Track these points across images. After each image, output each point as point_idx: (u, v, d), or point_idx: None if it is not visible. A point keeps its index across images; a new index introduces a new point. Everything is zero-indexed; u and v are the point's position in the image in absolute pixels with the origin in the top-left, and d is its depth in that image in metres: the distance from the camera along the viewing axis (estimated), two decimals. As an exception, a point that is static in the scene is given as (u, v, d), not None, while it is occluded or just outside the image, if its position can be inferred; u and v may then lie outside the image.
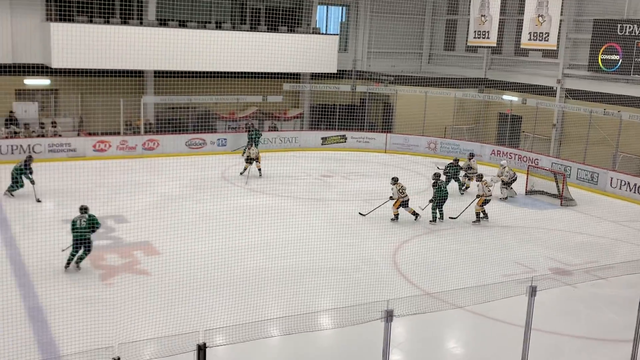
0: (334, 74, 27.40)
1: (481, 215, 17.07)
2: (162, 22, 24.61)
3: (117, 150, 23.02)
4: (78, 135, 23.49)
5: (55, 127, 23.14)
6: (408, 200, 16.57)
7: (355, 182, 20.74)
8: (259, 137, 23.85)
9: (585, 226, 17.30)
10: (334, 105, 27.88)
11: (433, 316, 9.92)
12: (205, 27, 25.19)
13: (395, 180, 16.53)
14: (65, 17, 22.51)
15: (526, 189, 20.64)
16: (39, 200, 16.72)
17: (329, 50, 26.73)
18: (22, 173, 17.06)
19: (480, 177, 17.55)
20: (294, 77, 27.99)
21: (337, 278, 12.42)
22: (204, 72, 24.96)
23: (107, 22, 23.13)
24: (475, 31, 27.86)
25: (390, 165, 23.95)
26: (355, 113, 28.13)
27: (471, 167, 20.44)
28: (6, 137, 21.91)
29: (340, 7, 30.65)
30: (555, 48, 24.90)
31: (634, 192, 20.43)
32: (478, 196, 17.18)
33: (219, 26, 25.74)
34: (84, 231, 12.36)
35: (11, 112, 23.15)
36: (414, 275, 13.05)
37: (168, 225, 15.12)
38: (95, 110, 23.57)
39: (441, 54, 31.58)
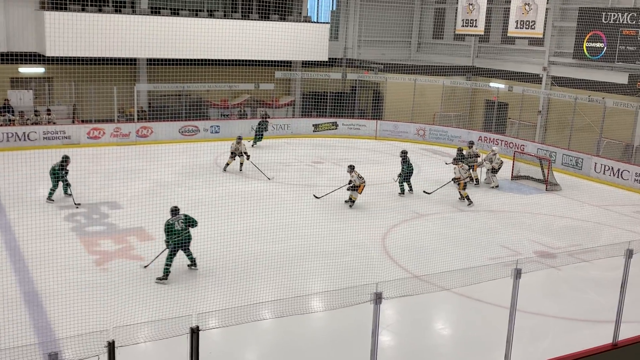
0: (325, 62, 27.31)
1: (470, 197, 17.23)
2: (155, 11, 24.39)
3: (110, 138, 22.87)
4: (72, 122, 23.33)
5: (50, 114, 22.95)
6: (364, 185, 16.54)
7: (345, 169, 20.69)
8: (265, 129, 23.84)
9: (570, 210, 17.39)
10: (325, 92, 27.80)
11: (421, 298, 9.95)
12: (197, 16, 24.98)
13: (352, 168, 16.57)
14: (59, 5, 22.25)
15: (512, 174, 20.70)
16: (77, 205, 15.32)
17: (320, 38, 26.61)
18: (56, 174, 15.71)
19: (456, 162, 17.62)
20: (286, 65, 27.86)
21: (328, 262, 12.44)
22: (196, 60, 24.81)
23: (100, 11, 22.90)
24: (463, 19, 27.77)
25: (380, 151, 23.94)
26: (346, 100, 28.07)
27: (477, 155, 20.07)
28: (1, 125, 21.72)
29: (331, -4, 30.49)
30: (541, 36, 24.87)
31: (618, 177, 20.54)
32: (454, 180, 17.26)
33: (211, 14, 25.53)
34: (186, 232, 11.55)
35: (6, 100, 22.94)
36: (402, 258, 13.09)
37: (161, 211, 15.03)
38: (89, 98, 23.39)
39: (430, 42, 31.50)
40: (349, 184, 16.52)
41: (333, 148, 23.83)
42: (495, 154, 19.62)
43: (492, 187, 19.37)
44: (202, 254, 12.25)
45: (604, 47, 23.08)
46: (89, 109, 23.46)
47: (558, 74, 25.27)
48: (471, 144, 20.34)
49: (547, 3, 24.44)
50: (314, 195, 16.95)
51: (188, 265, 11.84)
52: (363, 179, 16.45)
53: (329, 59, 27.43)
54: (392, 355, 9.55)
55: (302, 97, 28.79)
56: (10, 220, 14.24)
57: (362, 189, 16.44)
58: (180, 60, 24.48)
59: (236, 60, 25.36)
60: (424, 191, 17.79)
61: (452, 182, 17.61)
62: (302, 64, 28.18)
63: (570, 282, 12.35)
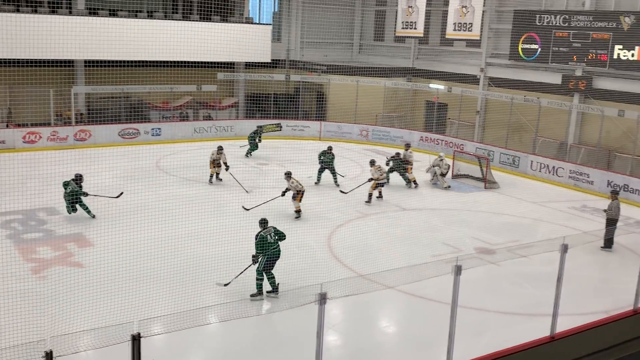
0: (268, 63, 27.21)
1: (377, 195, 17.53)
2: (92, 11, 23.75)
3: (47, 142, 22.15)
4: (7, 127, 22.46)
5: (-19, 118, 22.05)
6: (304, 191, 15.79)
7: (291, 169, 20.67)
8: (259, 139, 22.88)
9: (508, 207, 17.87)
10: (269, 94, 27.71)
11: (366, 297, 10.08)
12: (136, 16, 24.47)
13: (288, 176, 15.80)
14: (-10, 5, 21.43)
15: (452, 173, 21.13)
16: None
17: (263, 40, 26.50)
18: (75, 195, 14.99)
19: (372, 163, 17.83)
20: (228, 66, 27.62)
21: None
22: (136, 62, 24.30)
23: (35, 12, 22.13)
24: (403, 22, 28.19)
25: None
26: (289, 102, 28.05)
27: (407, 161, 20.26)
28: None
29: (273, -2, 30.42)
30: (478, 38, 25.51)
31: (553, 174, 21.25)
32: (370, 179, 17.45)
33: (150, 15, 25.06)
34: (276, 246, 11.13)
35: None
36: (347, 258, 13.16)
37: (101, 217, 14.68)
38: (25, 101, 22.58)
39: (371, 44, 31.84)
40: (284, 192, 15.85)
41: (277, 149, 23.76)
42: (442, 159, 19.98)
43: (445, 187, 19.68)
44: (145, 258, 11.99)
45: (538, 49, 23.84)
46: (25, 112, 22.64)
47: (495, 74, 25.96)
48: (407, 146, 20.46)
49: (484, 5, 25.09)
50: (243, 207, 15.69)
51: (267, 292, 10.90)
52: (302, 186, 15.92)
53: (272, 60, 27.33)
54: (338, 355, 9.58)
55: (246, 98, 28.59)
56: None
57: (302, 197, 15.74)
58: (120, 61, 23.92)
59: (177, 62, 24.99)
60: (341, 191, 17.82)
61: (368, 181, 17.70)
62: (245, 65, 28.00)
63: (510, 277, 12.68)
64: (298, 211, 15.74)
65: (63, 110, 23.75)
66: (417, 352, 9.86)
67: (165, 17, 25.37)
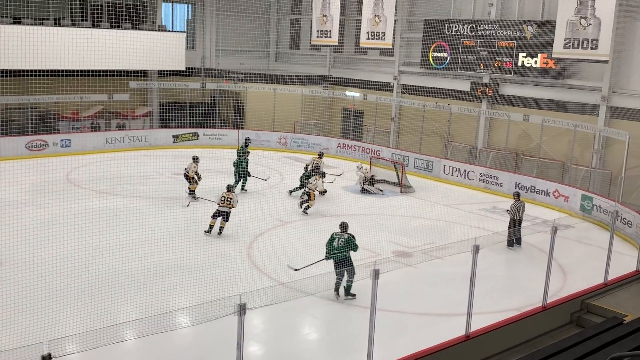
0: (182, 71, 26.76)
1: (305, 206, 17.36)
2: (-7, 18, 22.59)
3: (-54, 156, 20.83)
4: None
5: None
6: (227, 214, 15.11)
7: (208, 180, 20.40)
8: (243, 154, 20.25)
9: (423, 211, 18.37)
10: (184, 102, 27.26)
11: (288, 305, 10.05)
12: (42, 24, 23.46)
13: (229, 188, 15.22)
14: None
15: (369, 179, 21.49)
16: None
17: (176, 47, 26.05)
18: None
19: (323, 175, 18.12)
20: (141, 74, 26.96)
21: (193, 276, 12.16)
22: (43, 71, 23.28)
23: None
24: (318, 30, 28.48)
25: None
26: (206, 110, 27.70)
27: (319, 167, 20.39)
28: None
29: (186, 5, 29.98)
30: (391, 47, 26.13)
31: (464, 178, 22.04)
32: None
33: (57, 23, 24.09)
34: (340, 252, 11.40)
35: None
36: (267, 267, 13.11)
37: (8, 233, 13.92)
38: None
39: (287, 52, 31.97)
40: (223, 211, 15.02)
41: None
42: (360, 168, 20.33)
43: (376, 193, 19.99)
44: (55, 276, 11.47)
45: (447, 57, 24.71)
46: None
47: (408, 82, 26.68)
48: (321, 155, 20.36)
49: (395, 15, 25.75)
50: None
51: (346, 292, 11.44)
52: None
53: (187, 68, 26.91)
54: (261, 365, 9.51)
55: (160, 107, 27.99)
56: None
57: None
58: (26, 71, 22.83)
59: (87, 71, 24.14)
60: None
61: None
62: (159, 73, 27.41)
63: (426, 278, 13.03)
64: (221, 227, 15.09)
65: (-37, 122, 22.44)
66: (339, 357, 9.94)
67: (74, 25, 24.46)
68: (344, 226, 12.00)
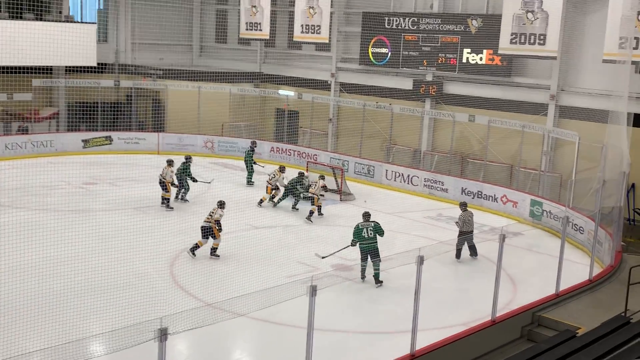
0: (93, 67, 26.14)
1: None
2: None
3: None
4: None
5: None
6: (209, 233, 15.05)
7: (124, 189, 19.99)
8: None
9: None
10: (96, 102, 26.65)
11: (216, 328, 9.93)
12: None
13: (221, 204, 15.12)
14: None
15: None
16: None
17: (86, 40, 25.42)
18: (186, 175, 18.84)
19: (322, 177, 19.03)
20: (46, 71, 26.17)
21: (107, 298, 11.87)
22: None
23: None
24: (246, 22, 28.42)
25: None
26: (121, 111, 27.15)
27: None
28: None
29: (97, -7, 29.36)
30: (327, 41, 26.35)
31: (408, 183, 22.43)
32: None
33: (-54, 11, 23.12)
34: (371, 242, 13.53)
35: None
36: (193, 286, 12.95)
37: None
38: None
39: (213, 46, 31.72)
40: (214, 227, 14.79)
41: (108, 166, 22.88)
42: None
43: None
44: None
45: (388, 53, 25.13)
46: None
47: (346, 80, 26.95)
48: (282, 169, 20.25)
49: (332, 7, 25.99)
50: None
51: (376, 280, 13.44)
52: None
53: (99, 64, 26.31)
54: (186, 396, 9.36)
55: (68, 108, 27.25)
56: None
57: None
58: None
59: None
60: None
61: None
62: (67, 70, 26.70)
63: (368, 293, 13.16)
64: (214, 248, 15.01)
65: None
66: (274, 384, 9.90)
67: (-35, 14, 23.54)
68: (367, 215, 14.03)
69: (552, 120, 21.31)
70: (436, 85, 24.06)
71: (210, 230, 14.74)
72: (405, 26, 24.60)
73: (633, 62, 16.73)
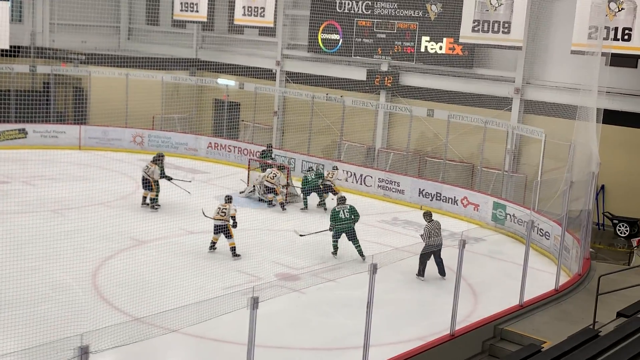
0: (5, 50, 25.54)
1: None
2: None
3: None
4: None
5: None
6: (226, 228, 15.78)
7: (40, 189, 19.56)
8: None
9: (312, 224, 18.55)
10: (8, 90, 26.08)
11: (146, 345, 9.78)
12: None
13: (229, 200, 16.04)
14: None
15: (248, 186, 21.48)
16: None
17: (-3, 20, 24.81)
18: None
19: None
20: (-51, 54, 25.46)
21: (20, 313, 11.59)
22: None
23: None
24: (182, 3, 28.17)
25: (87, 164, 23.14)
26: (37, 101, 26.57)
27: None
28: None
29: (11, -34, 28.64)
30: (272, 25, 26.33)
31: (361, 184, 22.56)
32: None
33: None
34: (349, 222, 15.69)
35: None
36: (120, 298, 12.76)
37: None
38: None
39: (144, 28, 31.33)
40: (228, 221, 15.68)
41: (22, 162, 22.37)
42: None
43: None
44: None
45: (340, 40, 25.23)
46: None
47: (293, 69, 26.95)
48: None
49: (277, -13, 25.97)
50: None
51: (360, 254, 15.59)
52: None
53: (11, 47, 25.70)
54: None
55: (-24, 97, 26.57)
56: None
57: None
58: None
59: None
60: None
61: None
62: (-26, 53, 26.01)
63: (316, 305, 13.19)
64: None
65: None
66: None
67: None
68: (342, 199, 16.29)
69: (517, 115, 21.74)
70: (392, 76, 24.27)
71: (225, 228, 15.52)
72: (358, 10, 24.74)
73: (603, 54, 17.13)
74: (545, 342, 11.23)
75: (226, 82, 27.26)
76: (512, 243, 18.38)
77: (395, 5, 23.96)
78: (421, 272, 15.02)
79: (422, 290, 14.78)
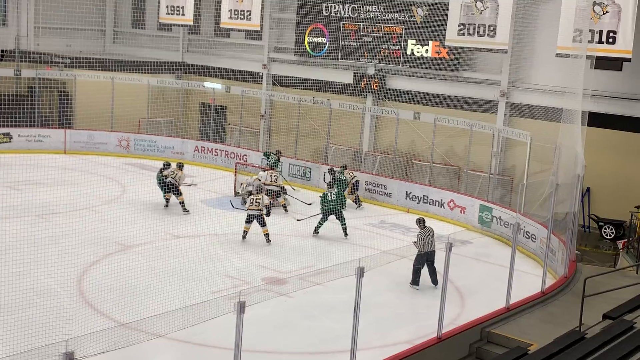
0: (-11, 54, 25.45)
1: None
2: None
3: None
4: None
5: None
6: (261, 216, 16.87)
7: (25, 194, 19.44)
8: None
9: (300, 227, 18.57)
10: (-7, 95, 25.91)
11: (132, 351, 9.75)
12: None
13: (260, 189, 17.72)
14: None
15: (235, 190, 21.45)
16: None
17: (-19, 23, 24.69)
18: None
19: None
20: None
21: (5, 318, 11.53)
22: None
23: None
24: (167, 6, 28.10)
25: (73, 169, 23.02)
26: (21, 105, 26.43)
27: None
28: None
29: (-5, -32, 28.52)
30: (258, 28, 26.31)
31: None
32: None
33: None
34: (336, 204, 17.55)
35: None
36: (105, 304, 12.72)
37: None
38: None
39: (129, 31, 31.28)
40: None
41: (6, 167, 22.24)
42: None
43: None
44: None
45: (326, 43, 25.26)
46: None
47: (280, 72, 26.96)
48: (180, 166, 20.49)
49: (264, -10, 25.96)
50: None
51: (344, 232, 17.80)
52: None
53: (-4, 50, 25.61)
54: None
55: (-40, 101, 26.39)
56: None
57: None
58: None
59: None
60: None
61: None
62: (-43, 56, 25.85)
63: (303, 309, 13.17)
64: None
65: None
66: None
67: None
68: (331, 184, 18.21)
69: (503, 118, 21.83)
70: (378, 80, 24.32)
71: (260, 217, 16.83)
72: (344, 14, 24.78)
73: (588, 57, 17.23)
74: (531, 344, 11.27)
75: (212, 85, 27.22)
76: (498, 245, 18.45)
77: (382, 9, 24.01)
78: (416, 281, 14.72)
79: (410, 293, 14.80)
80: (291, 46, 26.46)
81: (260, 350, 11.05)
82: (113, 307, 12.51)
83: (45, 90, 27.86)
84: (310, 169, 23.47)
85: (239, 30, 27.29)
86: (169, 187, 19.30)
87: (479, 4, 21.12)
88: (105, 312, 12.38)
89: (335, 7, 24.96)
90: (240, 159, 24.08)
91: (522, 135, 19.72)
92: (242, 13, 26.20)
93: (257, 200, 16.83)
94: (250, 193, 20.24)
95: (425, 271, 14.78)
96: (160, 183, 19.39)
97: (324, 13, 25.17)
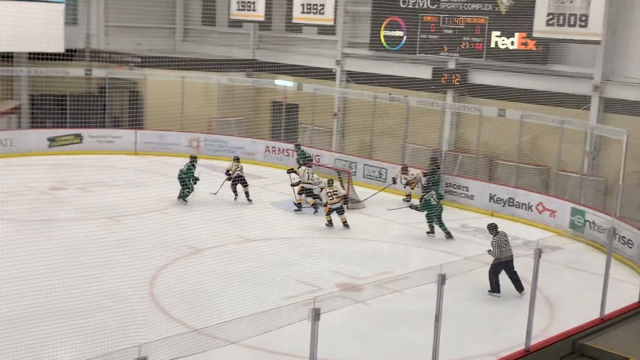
0: (61, 54, 26.28)
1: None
2: None
3: None
4: None
5: None
6: (340, 206, 18.68)
7: (97, 195, 20.07)
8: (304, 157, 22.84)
9: (376, 231, 18.54)
10: (64, 95, 26.75)
11: (204, 357, 9.94)
12: None
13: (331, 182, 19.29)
14: None
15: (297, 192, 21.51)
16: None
17: (53, 23, 25.57)
18: (191, 176, 20.34)
19: (330, 183, 19.22)
20: (6, 58, 26.30)
21: (77, 322, 11.87)
22: None
23: None
24: (239, 2, 28.45)
25: (144, 170, 23.52)
26: (92, 105, 27.24)
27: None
28: None
29: (65, -33, 29.44)
30: (332, 23, 26.36)
31: (427, 189, 22.35)
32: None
33: None
34: (438, 208, 18.28)
35: None
36: (177, 308, 12.96)
37: None
38: None
39: (199, 29, 31.79)
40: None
41: (78, 168, 22.97)
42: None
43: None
44: None
45: (403, 37, 25.12)
46: None
47: (354, 68, 26.93)
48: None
49: (337, -17, 26.01)
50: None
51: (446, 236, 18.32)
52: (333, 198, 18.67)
53: (67, 50, 26.44)
54: None
55: (32, 101, 27.37)
56: None
57: (328, 210, 18.79)
58: None
59: None
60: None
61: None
62: (29, 57, 26.80)
63: (380, 318, 13.13)
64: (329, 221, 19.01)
65: None
66: None
67: None
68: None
69: (596, 115, 21.26)
70: (460, 74, 24.04)
71: (340, 207, 18.57)
72: (423, 5, 24.60)
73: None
74: (629, 358, 10.96)
75: (284, 83, 27.41)
76: (591, 252, 18.00)
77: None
78: (495, 289, 14.56)
79: (493, 302, 14.59)
80: (366, 41, 26.41)
81: (335, 359, 11.07)
82: (184, 312, 12.74)
83: (115, 90, 28.59)
84: (386, 170, 23.36)
85: (311, 25, 27.44)
86: (239, 180, 20.80)
87: (569, -8, 20.64)
88: (177, 317, 12.60)
89: (413, -1, 24.80)
90: (312, 159, 24.16)
91: (618, 133, 19.17)
92: (315, 7, 26.32)
93: (334, 192, 18.46)
94: (309, 191, 20.31)
95: (507, 279, 14.55)
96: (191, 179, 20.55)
97: (401, 5, 25.04)
